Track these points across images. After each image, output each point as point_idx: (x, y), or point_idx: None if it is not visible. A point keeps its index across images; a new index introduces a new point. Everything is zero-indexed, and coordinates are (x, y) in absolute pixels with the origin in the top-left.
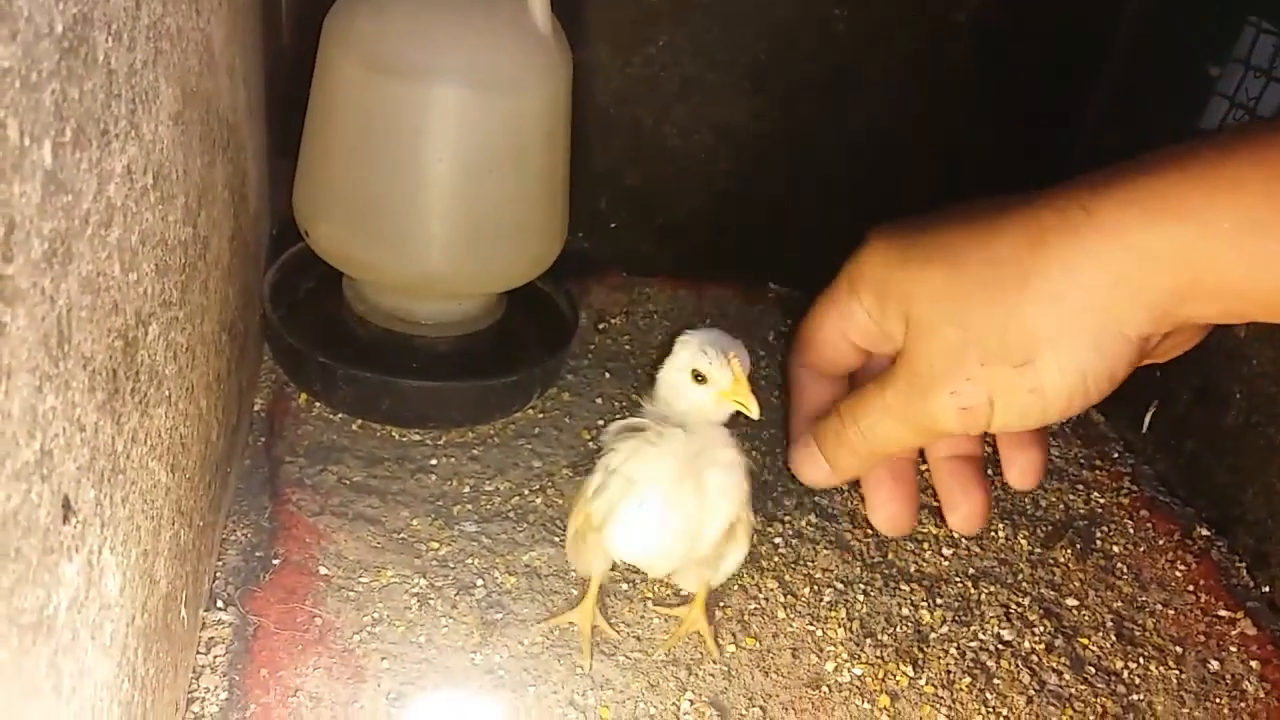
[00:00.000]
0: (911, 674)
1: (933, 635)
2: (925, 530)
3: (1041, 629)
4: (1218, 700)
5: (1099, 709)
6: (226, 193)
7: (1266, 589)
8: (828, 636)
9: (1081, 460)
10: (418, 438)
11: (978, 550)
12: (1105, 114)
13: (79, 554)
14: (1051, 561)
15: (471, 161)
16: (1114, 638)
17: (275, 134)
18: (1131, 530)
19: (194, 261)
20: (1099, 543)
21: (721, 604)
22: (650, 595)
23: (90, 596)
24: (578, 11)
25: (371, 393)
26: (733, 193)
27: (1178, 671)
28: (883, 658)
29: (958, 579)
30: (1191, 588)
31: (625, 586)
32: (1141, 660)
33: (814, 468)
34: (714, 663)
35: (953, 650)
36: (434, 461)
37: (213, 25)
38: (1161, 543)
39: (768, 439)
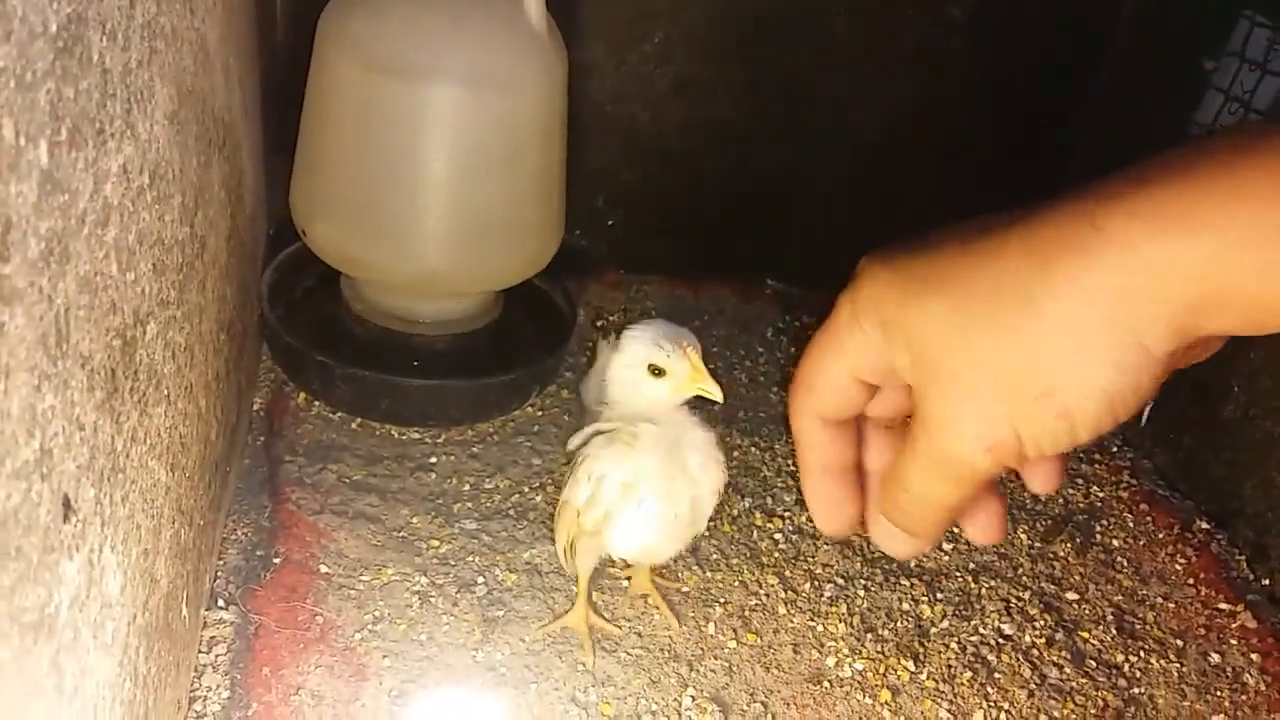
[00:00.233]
0: (912, 668)
1: (933, 630)
2: None
3: (1042, 623)
4: (1218, 693)
5: (1100, 702)
6: (223, 192)
7: (1266, 582)
8: (829, 632)
9: (1080, 454)
10: (417, 436)
11: (977, 545)
12: (1104, 111)
13: (80, 553)
14: (1051, 556)
15: (468, 160)
16: (1114, 631)
17: (271, 132)
18: (1131, 524)
19: (191, 261)
20: (1099, 537)
21: (722, 600)
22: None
23: (91, 595)
24: (573, 10)
25: (370, 391)
26: (730, 190)
27: (1178, 664)
28: (884, 653)
29: (958, 574)
30: (1191, 581)
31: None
32: (1142, 653)
33: (896, 542)
34: (715, 658)
35: (953, 645)
36: (433, 459)
37: (207, 24)
38: (1161, 536)
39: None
